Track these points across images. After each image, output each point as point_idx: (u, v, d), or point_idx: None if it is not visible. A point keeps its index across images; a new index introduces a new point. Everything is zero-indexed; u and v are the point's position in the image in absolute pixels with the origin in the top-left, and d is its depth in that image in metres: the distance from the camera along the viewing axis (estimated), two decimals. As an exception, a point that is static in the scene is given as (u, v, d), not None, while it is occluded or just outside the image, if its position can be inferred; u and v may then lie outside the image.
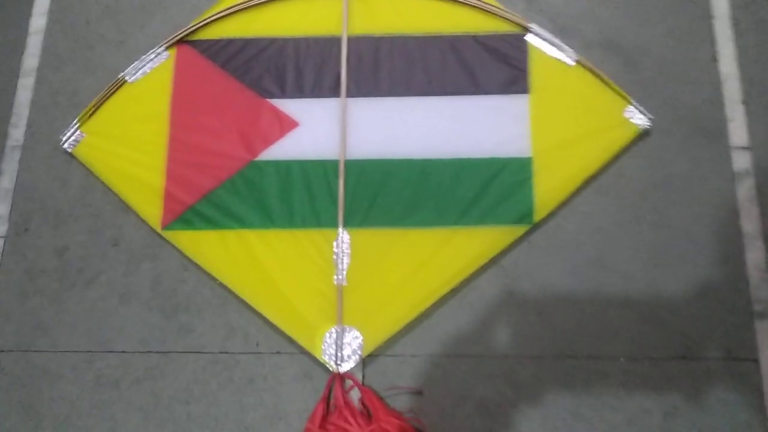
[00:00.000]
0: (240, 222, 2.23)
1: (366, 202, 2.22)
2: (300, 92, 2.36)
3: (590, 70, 2.29)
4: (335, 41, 2.41)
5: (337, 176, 2.26)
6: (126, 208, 2.30)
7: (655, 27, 2.38)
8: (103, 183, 2.33)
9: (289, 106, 2.36)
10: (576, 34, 2.39)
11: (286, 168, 2.28)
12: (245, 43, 2.43)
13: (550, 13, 2.43)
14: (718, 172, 2.22)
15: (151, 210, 2.27)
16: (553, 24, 2.41)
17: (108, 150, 2.35)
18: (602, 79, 2.27)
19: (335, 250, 2.19)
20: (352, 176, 2.25)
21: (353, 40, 2.40)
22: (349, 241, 2.20)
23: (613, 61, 2.35)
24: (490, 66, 2.34)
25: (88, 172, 2.35)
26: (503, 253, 2.17)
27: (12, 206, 2.35)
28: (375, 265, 2.17)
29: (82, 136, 2.38)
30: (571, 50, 2.31)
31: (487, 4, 2.38)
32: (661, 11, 2.40)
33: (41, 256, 2.28)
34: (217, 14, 2.45)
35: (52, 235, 2.32)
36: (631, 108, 2.24)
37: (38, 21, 2.58)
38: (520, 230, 2.17)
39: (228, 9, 2.45)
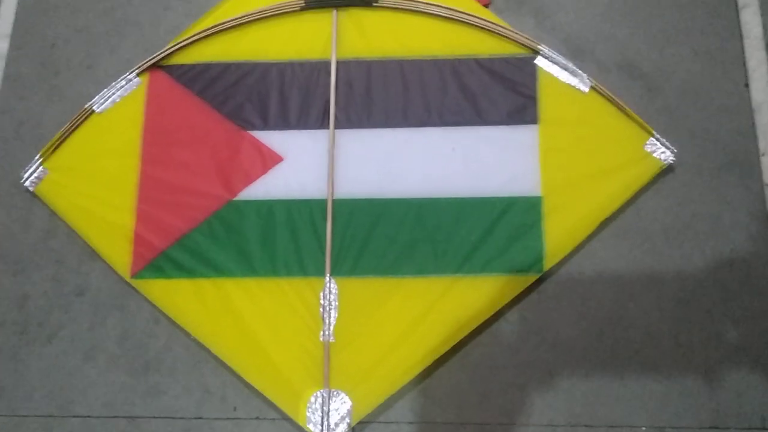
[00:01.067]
0: (217, 270, 2.01)
1: (356, 248, 1.99)
2: (284, 123, 2.13)
3: (607, 98, 2.05)
4: (323, 66, 2.17)
5: (324, 218, 2.03)
6: (92, 254, 2.09)
7: (680, 48, 2.14)
8: (67, 225, 2.10)
9: (272, 138, 2.13)
10: (591, 56, 2.15)
11: (268, 209, 2.06)
12: (224, 69, 2.20)
13: (562, 32, 2.19)
14: (750, 212, 1.99)
15: (119, 256, 2.05)
16: (566, 45, 2.17)
17: (73, 188, 2.13)
18: (620, 108, 2.04)
19: (322, 302, 1.96)
20: (340, 218, 2.02)
21: (343, 65, 2.17)
22: (337, 291, 1.97)
23: (633, 86, 2.11)
24: (495, 93, 2.10)
25: (52, 213, 2.13)
26: (510, 305, 1.94)
27: (-33, 260, 2.13)
28: (366, 320, 1.94)
29: (45, 173, 2.15)
30: (585, 75, 2.07)
31: (491, 23, 2.14)
32: (686, 30, 2.16)
33: (-1, 307, 2.07)
34: (193, 36, 2.22)
35: (11, 283, 2.10)
36: (652, 140, 2.00)
37: (0, 44, 2.35)
38: (528, 279, 1.94)
39: (206, 30, 2.22)
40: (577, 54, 2.15)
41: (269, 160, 2.11)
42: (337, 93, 2.14)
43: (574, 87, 2.07)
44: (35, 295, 2.09)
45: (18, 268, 2.11)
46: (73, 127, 2.19)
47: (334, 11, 2.22)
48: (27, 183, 2.15)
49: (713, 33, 2.15)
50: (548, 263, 1.94)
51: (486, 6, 2.23)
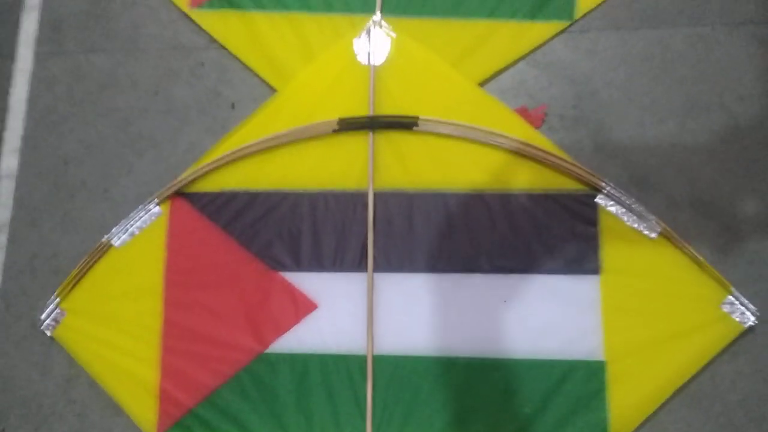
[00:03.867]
0: (249, 434, 1.86)
1: (399, 414, 1.83)
2: (318, 265, 1.95)
3: (678, 246, 1.82)
4: (360, 198, 1.98)
5: (364, 378, 1.86)
6: (116, 407, 1.94)
7: (761, 181, 1.89)
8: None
9: (305, 281, 1.95)
10: (658, 188, 1.93)
11: (302, 364, 1.89)
12: (251, 199, 2.01)
13: (625, 158, 1.96)
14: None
15: (144, 412, 1.92)
16: (629, 175, 1.95)
17: (92, 334, 1.98)
18: (693, 259, 1.81)
19: (363, 477, 1.81)
20: (381, 378, 1.86)
21: (381, 197, 1.97)
22: (380, 464, 1.81)
23: (707, 225, 1.89)
24: (550, 235, 1.90)
25: (72, 359, 1.98)
26: (569, 483, 1.76)
27: (-14, 400, 2.01)
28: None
29: (63, 315, 2.00)
30: (653, 218, 1.84)
31: (545, 152, 1.91)
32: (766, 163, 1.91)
33: (20, 465, 1.96)
34: (218, 160, 2.03)
35: (32, 438, 1.97)
36: (731, 299, 1.79)
37: (9, 161, 2.18)
38: (590, 459, 1.76)
39: (231, 153, 2.03)
40: (641, 185, 1.93)
41: (302, 307, 1.93)
42: (375, 231, 1.94)
43: (640, 231, 1.85)
44: (57, 452, 1.96)
45: (40, 421, 1.99)
46: (90, 263, 2.02)
47: (371, 134, 2.01)
48: (44, 326, 2.00)
49: (799, 165, 1.90)
50: (613, 439, 1.76)
51: (540, 125, 1.99)
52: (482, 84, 2.07)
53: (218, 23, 2.20)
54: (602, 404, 1.78)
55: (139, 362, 1.94)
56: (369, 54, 2.07)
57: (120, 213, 2.08)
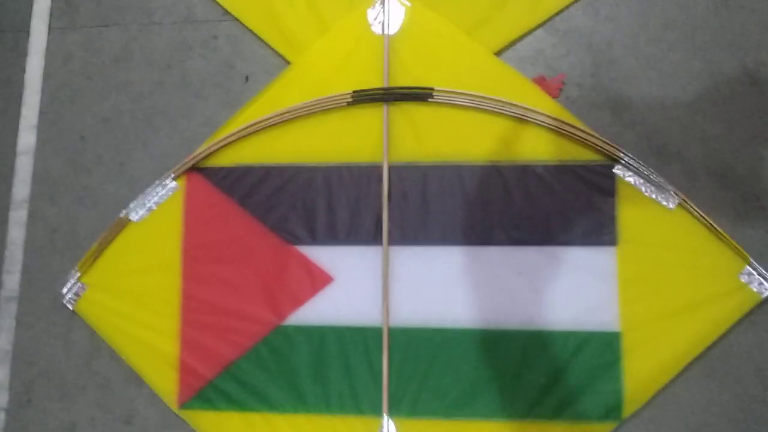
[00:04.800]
0: (268, 404, 1.90)
1: (415, 385, 1.85)
2: (334, 238, 1.96)
3: (696, 217, 1.80)
4: (374, 171, 1.97)
5: (379, 349, 1.88)
6: (138, 378, 1.98)
7: (784, 151, 1.86)
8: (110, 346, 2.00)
9: (320, 255, 1.96)
10: (677, 157, 1.90)
11: (319, 336, 1.91)
12: (266, 173, 2.01)
13: (644, 127, 1.92)
14: None
15: (165, 384, 1.96)
16: (648, 143, 1.92)
17: (113, 308, 2.01)
18: (712, 230, 1.79)
19: (379, 444, 1.84)
20: (397, 350, 1.87)
21: (396, 170, 1.96)
22: (395, 433, 1.84)
23: (726, 196, 1.86)
24: (567, 206, 1.88)
25: (93, 332, 2.02)
26: (582, 451, 1.78)
27: (11, 372, 2.06)
28: (427, 467, 1.82)
29: (84, 289, 2.04)
30: (671, 189, 1.82)
31: (562, 122, 1.89)
32: (792, 130, 1.87)
33: (47, 434, 2.01)
34: (232, 134, 2.03)
35: (58, 409, 2.03)
36: (749, 269, 1.78)
37: (27, 137, 2.20)
38: (605, 428, 1.77)
39: (245, 127, 2.03)
40: (660, 155, 1.90)
41: (319, 280, 1.95)
42: (390, 204, 1.94)
43: (658, 202, 1.83)
44: (82, 422, 2.02)
45: (63, 392, 2.04)
46: (109, 238, 2.05)
47: (385, 106, 1.99)
48: (66, 300, 2.04)
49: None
50: (627, 410, 1.77)
51: (558, 94, 1.96)
52: (499, 53, 2.03)
53: (230, -5, 2.18)
54: (617, 375, 1.78)
55: (159, 335, 1.97)
56: (383, 24, 2.04)
57: (137, 188, 2.09)
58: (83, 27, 2.25)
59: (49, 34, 2.27)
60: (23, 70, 2.24)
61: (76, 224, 2.13)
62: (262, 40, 2.15)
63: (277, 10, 2.13)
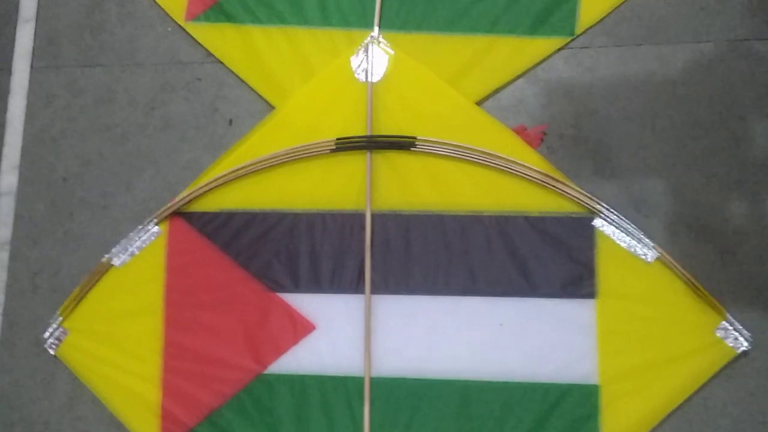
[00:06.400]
0: (250, 451, 1.90)
1: None
2: (317, 286, 1.97)
3: (674, 271, 1.83)
4: (357, 218, 1.98)
5: (361, 399, 1.89)
6: (120, 425, 1.98)
7: (759, 205, 1.89)
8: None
9: (303, 302, 1.97)
10: (656, 210, 1.92)
11: (301, 385, 1.92)
12: (250, 219, 2.02)
13: (624, 180, 1.95)
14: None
15: (148, 431, 1.95)
16: (628, 195, 1.94)
17: (95, 354, 2.01)
18: (690, 284, 1.82)
19: (361, 497, 1.85)
20: (378, 401, 1.89)
21: (379, 218, 1.97)
22: (377, 486, 1.85)
23: (705, 250, 1.89)
24: (547, 258, 1.90)
25: (76, 377, 2.02)
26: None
27: (-8, 417, 2.05)
28: None
29: (65, 334, 2.03)
30: (650, 242, 1.84)
31: (543, 174, 1.91)
32: (767, 186, 1.89)
33: (27, 480, 2.01)
34: (216, 179, 2.03)
35: (38, 455, 2.02)
36: (725, 324, 1.80)
37: (9, 178, 2.19)
38: (581, 482, 1.80)
39: (229, 173, 2.03)
40: (640, 207, 1.92)
41: (301, 328, 1.95)
42: (372, 252, 1.95)
43: (637, 256, 1.85)
44: (63, 467, 2.01)
45: (45, 438, 2.03)
46: (91, 283, 2.05)
47: (368, 154, 2.00)
48: (47, 344, 2.04)
49: (799, 189, 1.89)
50: (605, 462, 1.79)
51: (538, 144, 1.98)
52: (481, 101, 2.05)
53: (214, 37, 2.18)
54: (595, 428, 1.80)
55: (141, 381, 1.97)
56: (366, 72, 2.05)
57: (120, 231, 2.09)
58: (66, 67, 2.25)
59: (31, 73, 2.26)
60: (5, 110, 2.23)
61: (58, 267, 2.13)
62: (245, 83, 2.15)
63: (261, 53, 2.14)
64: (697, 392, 1.81)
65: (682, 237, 1.90)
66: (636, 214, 1.91)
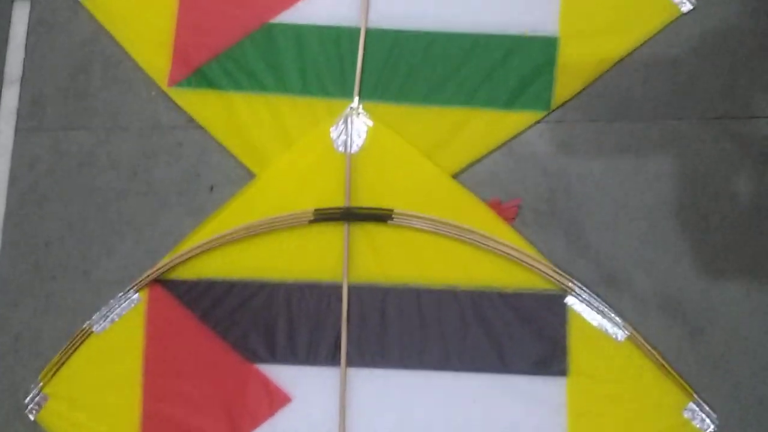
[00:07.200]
0: None
1: None
2: (293, 357, 2.00)
3: (644, 350, 1.86)
4: (334, 290, 2.01)
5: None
6: (98, 492, 2.01)
7: (728, 286, 1.92)
8: (72, 458, 2.03)
9: (280, 373, 2.01)
10: (627, 287, 1.95)
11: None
12: (228, 288, 2.05)
13: (596, 256, 1.98)
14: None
15: (125, 501, 1.98)
16: (599, 271, 1.97)
17: (74, 421, 2.04)
18: (659, 364, 1.85)
19: None
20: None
21: (355, 291, 2.00)
22: None
23: (674, 327, 1.93)
24: (520, 335, 1.94)
25: (55, 443, 2.05)
26: None
27: (-28, 481, 2.08)
28: None
29: (46, 400, 2.07)
30: (620, 321, 1.88)
31: (517, 251, 1.94)
32: (737, 265, 1.93)
33: None
34: (195, 248, 2.06)
35: None
36: (692, 406, 1.84)
37: (-9, 244, 2.21)
38: None
39: (208, 242, 2.05)
40: (611, 284, 1.95)
41: (277, 400, 1.99)
42: (349, 325, 1.98)
43: (608, 334, 1.89)
44: None
45: (25, 506, 2.05)
46: (71, 349, 2.07)
47: (346, 226, 2.03)
48: (28, 410, 2.06)
49: (764, 269, 1.92)
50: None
51: (512, 219, 2.01)
52: (458, 174, 2.07)
53: (196, 103, 2.21)
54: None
55: (120, 451, 2.00)
56: (345, 143, 2.08)
57: (101, 296, 2.12)
58: (50, 129, 2.27)
59: (16, 135, 2.28)
60: (-11, 173, 2.25)
61: (40, 331, 2.15)
62: (227, 149, 2.18)
63: (241, 120, 2.17)
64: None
65: (652, 314, 1.93)
66: (608, 290, 1.94)
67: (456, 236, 1.97)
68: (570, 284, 1.91)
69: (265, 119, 2.15)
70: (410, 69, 2.13)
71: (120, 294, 2.08)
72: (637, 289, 1.94)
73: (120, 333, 2.07)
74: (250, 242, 2.06)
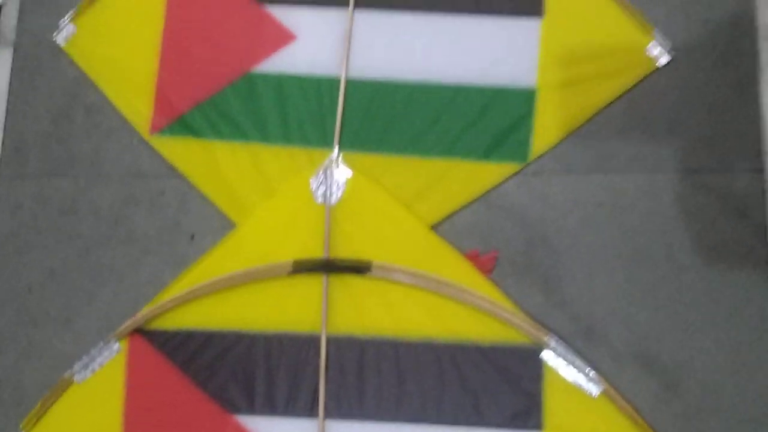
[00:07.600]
0: None
1: None
2: (271, 408, 2.02)
3: (619, 405, 1.88)
4: (313, 342, 2.03)
5: None
6: None
7: (702, 341, 1.94)
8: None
9: (259, 425, 2.02)
10: (604, 341, 1.96)
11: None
12: (208, 339, 2.06)
13: (573, 309, 1.99)
14: None
15: None
16: (576, 325, 1.98)
17: (54, 473, 2.04)
18: (633, 420, 1.88)
19: None
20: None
21: (334, 342, 2.02)
22: None
23: (649, 381, 1.94)
24: (497, 389, 1.95)
25: (36, 491, 2.06)
26: None
27: None
28: None
29: (26, 449, 2.07)
30: (595, 376, 1.89)
31: (494, 304, 1.95)
32: (712, 321, 1.94)
33: None
34: (175, 299, 2.07)
35: None
36: None
37: (-26, 292, 2.23)
38: None
39: (188, 292, 2.07)
40: (588, 337, 1.96)
41: (256, 448, 2.00)
42: (327, 377, 2.00)
43: (582, 390, 1.90)
44: None
45: None
46: (53, 398, 2.09)
47: (325, 277, 2.04)
48: (7, 460, 2.07)
49: (739, 324, 1.93)
50: None
51: (490, 271, 2.03)
52: (438, 224, 2.09)
53: (177, 151, 2.22)
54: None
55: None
56: (325, 194, 2.09)
57: (83, 344, 2.13)
58: (32, 176, 2.28)
59: (-2, 182, 2.30)
60: (-28, 220, 2.26)
61: (20, 379, 2.16)
62: (207, 198, 2.19)
63: (223, 169, 2.18)
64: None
65: (628, 368, 1.94)
66: (584, 343, 1.95)
67: (434, 289, 1.98)
68: (546, 338, 1.92)
69: (247, 168, 2.16)
70: (390, 119, 2.14)
71: (101, 343, 2.09)
72: (614, 341, 1.95)
73: (100, 383, 2.08)
74: (230, 293, 2.08)
